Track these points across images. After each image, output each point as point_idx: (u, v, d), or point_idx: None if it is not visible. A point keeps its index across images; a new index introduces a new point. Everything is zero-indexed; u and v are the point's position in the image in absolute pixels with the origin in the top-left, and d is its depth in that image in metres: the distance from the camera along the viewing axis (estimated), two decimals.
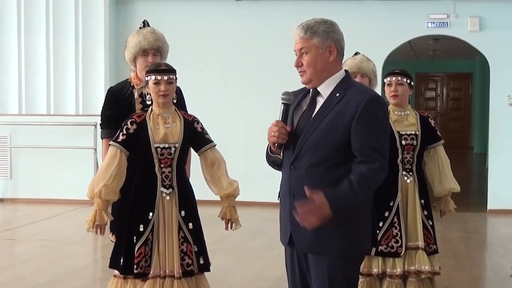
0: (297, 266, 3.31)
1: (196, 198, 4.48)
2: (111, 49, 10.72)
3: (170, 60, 4.74)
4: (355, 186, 3.05)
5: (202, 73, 10.60)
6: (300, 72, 3.26)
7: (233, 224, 4.48)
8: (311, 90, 3.28)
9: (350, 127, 3.11)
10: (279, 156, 3.32)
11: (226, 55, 10.73)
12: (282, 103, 3.26)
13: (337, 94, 3.19)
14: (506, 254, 7.72)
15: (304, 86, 3.37)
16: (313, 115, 3.20)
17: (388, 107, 5.03)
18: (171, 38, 4.97)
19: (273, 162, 3.36)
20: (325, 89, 3.23)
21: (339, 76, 3.25)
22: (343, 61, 4.95)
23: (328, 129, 3.13)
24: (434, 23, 10.44)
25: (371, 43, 9.72)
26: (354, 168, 3.10)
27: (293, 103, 3.30)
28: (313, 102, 3.25)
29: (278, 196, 3.38)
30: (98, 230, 4.27)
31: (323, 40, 3.19)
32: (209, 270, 4.44)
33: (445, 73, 21.73)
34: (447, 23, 10.40)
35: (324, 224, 3.08)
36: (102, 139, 4.89)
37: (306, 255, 3.23)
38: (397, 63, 10.28)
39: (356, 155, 3.11)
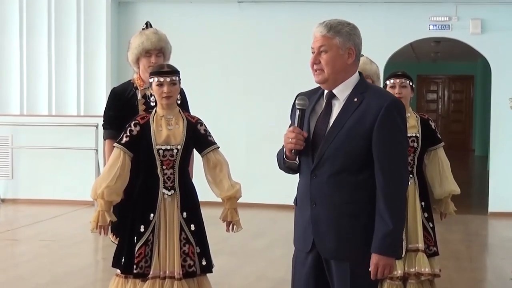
0: (312, 274, 3.24)
1: (199, 199, 4.49)
2: (113, 50, 10.72)
3: (172, 61, 4.75)
4: (387, 220, 3.05)
5: (204, 74, 10.60)
6: (316, 70, 3.18)
7: (234, 226, 4.48)
8: (325, 93, 3.24)
9: (370, 133, 3.08)
10: (295, 162, 3.27)
11: (227, 56, 10.73)
12: (298, 108, 3.19)
13: (355, 99, 3.14)
14: (507, 257, 7.71)
15: (313, 88, 3.33)
16: (332, 122, 3.16)
17: None
18: (173, 39, 4.97)
19: (289, 167, 3.30)
20: (341, 92, 3.18)
21: (354, 79, 3.21)
22: None
23: (349, 136, 3.10)
24: (436, 25, 10.44)
25: (372, 45, 9.64)
26: (377, 188, 3.09)
27: (308, 105, 3.23)
28: (329, 106, 3.20)
29: (295, 202, 3.34)
30: (102, 230, 4.29)
31: (345, 41, 3.14)
32: (211, 272, 4.45)
33: (447, 75, 21.72)
34: (449, 25, 10.41)
35: (348, 230, 3.12)
36: (104, 139, 4.89)
37: (329, 262, 3.20)
38: (398, 65, 10.25)
39: (376, 164, 3.09)
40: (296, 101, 3.21)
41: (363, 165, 3.11)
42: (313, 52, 3.20)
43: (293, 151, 3.17)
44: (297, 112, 3.19)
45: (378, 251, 3.07)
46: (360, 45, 3.22)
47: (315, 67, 3.19)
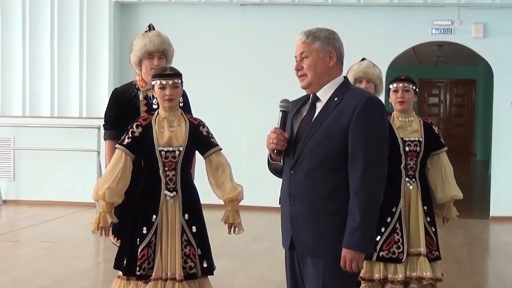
0: (298, 271, 3.33)
1: (200, 201, 4.50)
2: (115, 52, 10.74)
3: (174, 64, 4.75)
4: (356, 214, 3.09)
5: (207, 76, 10.62)
6: (300, 76, 3.30)
7: (236, 228, 4.48)
8: (310, 96, 3.32)
9: (347, 130, 3.14)
10: (280, 163, 3.36)
11: (230, 59, 10.75)
12: (280, 110, 3.31)
13: (335, 99, 3.23)
14: (509, 261, 7.72)
15: (303, 95, 3.40)
16: (312, 120, 3.24)
17: (392, 113, 5.06)
18: (176, 42, 4.99)
19: (275, 169, 3.40)
20: (324, 94, 3.28)
21: (337, 81, 3.30)
22: (350, 66, 5.02)
23: (327, 133, 3.17)
24: (438, 29, 10.44)
25: (375, 49, 9.73)
26: (350, 184, 3.13)
27: (292, 110, 3.34)
28: (313, 107, 3.29)
29: (279, 201, 3.40)
30: (103, 232, 4.30)
31: (324, 45, 3.26)
32: (212, 274, 4.45)
33: (449, 79, 21.74)
34: (451, 29, 10.41)
35: (324, 227, 3.16)
36: (105, 140, 4.90)
37: (305, 258, 3.26)
38: (401, 69, 10.27)
39: (350, 161, 3.13)
40: (279, 103, 3.32)
41: (342, 163, 3.16)
42: (296, 61, 3.32)
43: (275, 151, 3.27)
44: (280, 114, 3.30)
45: (346, 245, 3.12)
46: (341, 48, 3.33)
47: (299, 73, 3.31)
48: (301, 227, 3.22)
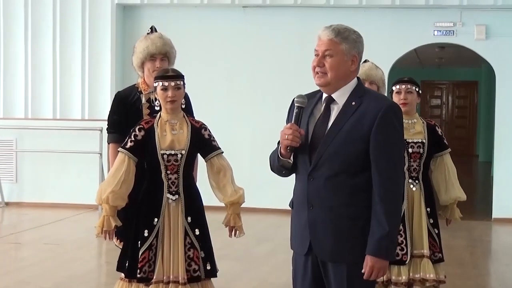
0: (311, 276, 3.28)
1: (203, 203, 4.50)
2: (117, 54, 10.74)
3: (177, 66, 4.75)
4: (384, 222, 3.07)
5: (209, 78, 10.61)
6: (318, 73, 3.20)
7: (237, 231, 4.49)
8: (323, 97, 3.26)
9: (369, 136, 3.11)
10: (289, 160, 3.27)
11: (232, 61, 10.74)
12: (296, 106, 3.22)
13: (353, 103, 3.18)
14: (511, 263, 7.70)
15: (312, 91, 3.35)
16: (331, 124, 3.19)
17: None
18: (178, 44, 4.98)
19: (283, 166, 3.28)
20: (340, 97, 3.21)
21: (353, 84, 3.24)
22: None
23: (347, 138, 3.13)
24: (440, 31, 10.43)
25: (377, 51, 9.67)
26: (374, 190, 3.11)
27: (306, 108, 3.26)
28: (328, 110, 3.23)
29: (291, 206, 3.35)
30: (107, 235, 4.30)
31: (350, 48, 3.18)
32: (215, 276, 4.46)
33: (451, 81, 21.73)
34: (453, 31, 10.40)
35: (345, 232, 3.14)
36: (108, 143, 4.90)
37: (325, 264, 3.22)
38: (403, 70, 10.28)
39: (374, 167, 3.11)
40: (295, 99, 3.24)
41: (361, 168, 3.13)
42: (316, 55, 3.22)
43: (288, 148, 3.19)
44: (295, 110, 3.22)
45: (374, 253, 3.09)
46: (362, 53, 3.27)
47: (317, 69, 3.21)
48: (322, 233, 3.18)
